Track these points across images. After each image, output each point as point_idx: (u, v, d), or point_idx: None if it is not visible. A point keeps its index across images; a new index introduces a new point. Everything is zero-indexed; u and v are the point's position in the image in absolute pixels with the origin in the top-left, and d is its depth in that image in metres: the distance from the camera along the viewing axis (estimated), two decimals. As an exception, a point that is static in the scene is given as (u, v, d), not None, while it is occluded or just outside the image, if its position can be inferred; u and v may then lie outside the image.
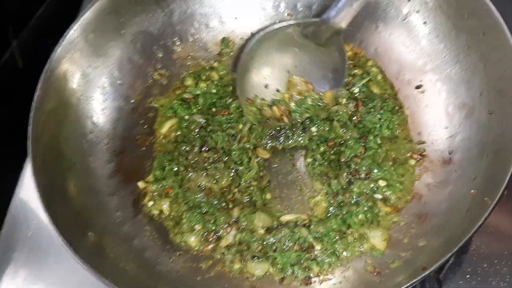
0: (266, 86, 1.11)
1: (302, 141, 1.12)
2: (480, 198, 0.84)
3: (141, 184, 1.09)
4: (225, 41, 1.24)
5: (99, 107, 1.12)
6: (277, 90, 1.11)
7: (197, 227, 1.02)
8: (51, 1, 1.57)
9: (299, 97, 1.10)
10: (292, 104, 1.10)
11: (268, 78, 1.11)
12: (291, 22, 1.06)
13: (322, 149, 1.09)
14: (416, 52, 1.10)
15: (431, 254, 0.85)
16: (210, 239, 1.02)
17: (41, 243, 1.14)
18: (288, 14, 1.23)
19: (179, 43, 1.23)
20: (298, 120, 1.10)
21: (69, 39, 1.04)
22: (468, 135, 0.97)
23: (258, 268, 0.97)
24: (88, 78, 1.10)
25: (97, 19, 1.08)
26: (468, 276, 1.00)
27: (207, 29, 1.24)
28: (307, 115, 1.10)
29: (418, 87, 1.09)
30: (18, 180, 1.23)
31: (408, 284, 0.78)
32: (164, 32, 1.20)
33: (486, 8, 0.91)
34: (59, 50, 1.03)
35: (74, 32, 1.05)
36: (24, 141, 1.09)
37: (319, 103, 1.08)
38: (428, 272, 0.76)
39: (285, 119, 1.09)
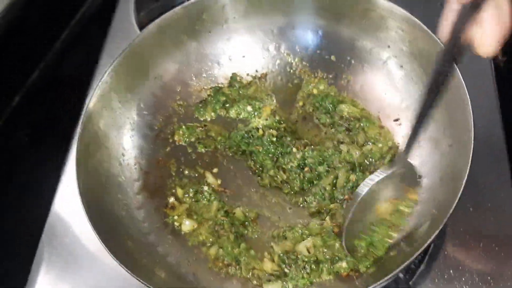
0: None
1: None
2: (438, 216, 1.03)
3: (172, 200, 1.28)
4: (234, 76, 1.44)
5: (128, 134, 1.32)
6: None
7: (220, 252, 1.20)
8: (76, 25, 1.76)
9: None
10: None
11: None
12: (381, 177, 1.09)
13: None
14: (394, 91, 1.28)
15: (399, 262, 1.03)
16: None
17: (75, 253, 1.33)
18: (287, 54, 1.43)
19: (194, 78, 1.44)
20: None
21: (104, 80, 1.24)
22: (434, 164, 1.13)
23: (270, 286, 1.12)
24: (119, 112, 1.29)
25: (127, 62, 1.27)
26: (436, 280, 1.18)
27: (218, 66, 1.44)
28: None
29: (396, 120, 1.28)
30: (55, 194, 1.43)
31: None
32: (182, 70, 1.41)
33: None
34: (96, 89, 1.23)
35: (108, 74, 1.24)
36: (60, 153, 1.30)
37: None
38: (389, 276, 0.95)
39: None
